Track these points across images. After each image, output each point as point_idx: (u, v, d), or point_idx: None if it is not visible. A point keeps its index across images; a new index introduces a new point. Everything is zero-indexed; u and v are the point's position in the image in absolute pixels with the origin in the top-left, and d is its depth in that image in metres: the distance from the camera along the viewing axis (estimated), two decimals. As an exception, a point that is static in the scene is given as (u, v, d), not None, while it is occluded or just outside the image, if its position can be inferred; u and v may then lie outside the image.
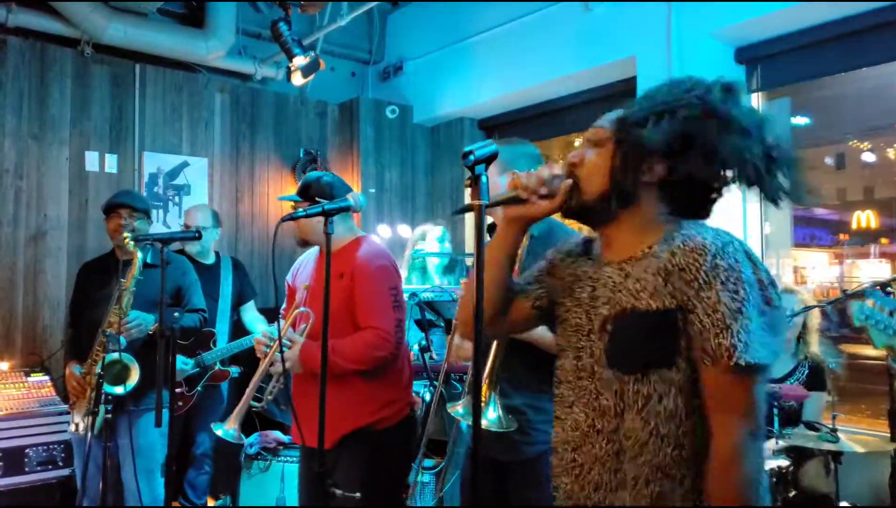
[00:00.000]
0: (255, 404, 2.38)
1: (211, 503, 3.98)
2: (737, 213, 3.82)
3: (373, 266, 2.41)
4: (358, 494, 2.08)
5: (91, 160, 4.33)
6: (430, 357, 3.32)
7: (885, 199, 6.11)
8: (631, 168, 1.30)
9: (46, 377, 3.79)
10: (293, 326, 2.44)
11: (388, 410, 2.43)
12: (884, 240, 5.71)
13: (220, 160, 4.85)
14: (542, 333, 1.86)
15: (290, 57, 4.44)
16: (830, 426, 2.68)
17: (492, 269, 1.44)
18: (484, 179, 1.26)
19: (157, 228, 4.36)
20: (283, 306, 2.71)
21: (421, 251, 4.04)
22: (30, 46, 4.15)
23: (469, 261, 3.77)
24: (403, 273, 3.67)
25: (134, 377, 2.89)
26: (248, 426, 3.07)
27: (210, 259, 4.04)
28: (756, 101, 3.90)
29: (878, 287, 2.22)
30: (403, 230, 5.22)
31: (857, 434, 2.89)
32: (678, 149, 1.27)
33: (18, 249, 4.06)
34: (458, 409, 2.02)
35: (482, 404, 1.62)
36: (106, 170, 4.37)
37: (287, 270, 2.76)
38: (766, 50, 3.72)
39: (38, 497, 3.41)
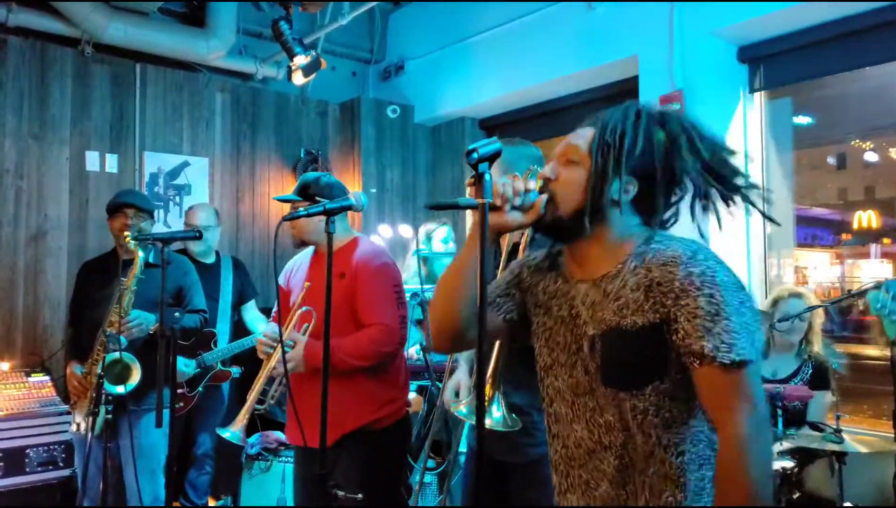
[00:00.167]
0: (258, 406, 2.38)
1: (212, 503, 3.97)
2: (739, 213, 3.80)
3: (375, 264, 2.43)
4: (360, 495, 2.07)
5: (91, 160, 4.32)
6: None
7: (887, 199, 6.10)
8: (609, 189, 1.32)
9: (47, 378, 3.78)
10: (296, 326, 2.44)
11: (388, 409, 2.44)
12: (886, 240, 5.70)
13: (220, 160, 4.84)
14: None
15: (291, 56, 4.43)
16: (835, 426, 2.67)
17: (459, 281, 1.40)
18: (487, 177, 1.26)
19: (157, 228, 4.34)
20: (275, 309, 2.70)
21: (422, 251, 4.04)
22: (30, 46, 4.15)
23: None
24: (406, 273, 3.66)
25: (135, 377, 2.88)
26: (248, 427, 3.06)
27: (210, 259, 4.04)
28: (758, 100, 3.89)
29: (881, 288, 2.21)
30: (404, 230, 5.21)
31: (860, 435, 2.87)
32: (651, 169, 1.32)
33: (19, 249, 4.05)
34: (461, 408, 2.01)
35: (485, 403, 1.61)
36: (106, 170, 4.37)
37: (288, 270, 2.75)
38: (768, 49, 3.71)
39: (39, 497, 3.40)
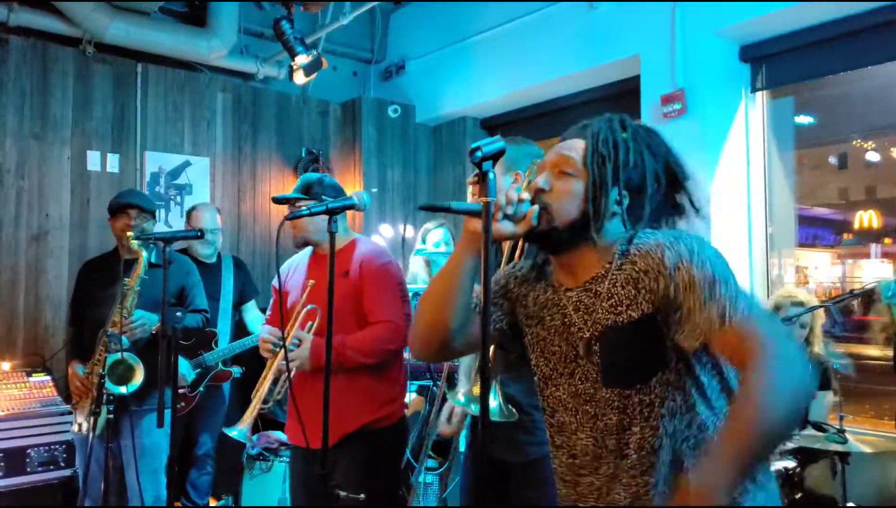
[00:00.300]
0: (263, 405, 2.38)
1: (213, 503, 3.97)
2: (741, 213, 3.81)
3: (379, 263, 2.45)
4: (362, 495, 2.07)
5: (93, 160, 4.32)
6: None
7: (888, 198, 6.10)
8: (607, 200, 1.33)
9: (48, 378, 3.78)
10: (300, 325, 2.43)
11: (388, 409, 2.44)
12: (887, 240, 5.70)
13: (222, 160, 4.84)
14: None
15: (293, 55, 4.43)
16: (837, 426, 2.67)
17: (449, 289, 1.38)
18: (491, 175, 1.25)
19: (158, 227, 4.34)
20: (269, 311, 2.70)
21: (423, 251, 4.03)
22: (31, 46, 4.14)
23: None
24: (406, 273, 3.66)
25: (139, 377, 2.88)
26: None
27: (211, 258, 4.03)
28: (760, 100, 3.89)
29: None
30: (405, 230, 5.20)
31: (863, 435, 2.87)
32: (640, 178, 1.35)
33: (20, 248, 4.05)
34: (459, 397, 2.01)
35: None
36: (108, 169, 4.36)
37: (289, 269, 2.74)
38: (770, 49, 3.70)
39: (40, 497, 3.40)
